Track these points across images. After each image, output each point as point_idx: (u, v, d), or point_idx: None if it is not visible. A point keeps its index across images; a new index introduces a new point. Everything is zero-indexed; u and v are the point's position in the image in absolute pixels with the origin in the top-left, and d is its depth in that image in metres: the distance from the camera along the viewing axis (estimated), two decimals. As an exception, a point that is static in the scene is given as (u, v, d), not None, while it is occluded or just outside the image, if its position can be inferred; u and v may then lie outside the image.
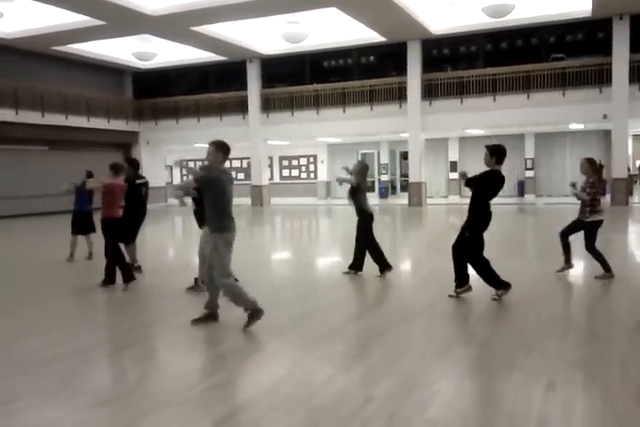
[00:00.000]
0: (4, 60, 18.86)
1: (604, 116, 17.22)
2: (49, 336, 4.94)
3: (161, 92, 23.85)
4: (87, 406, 3.40)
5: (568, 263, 6.87)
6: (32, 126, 18.84)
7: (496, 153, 5.71)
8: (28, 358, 4.28)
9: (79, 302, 6.24)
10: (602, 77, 17.13)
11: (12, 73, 18.96)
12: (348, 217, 17.72)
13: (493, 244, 10.59)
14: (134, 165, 7.99)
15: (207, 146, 4.85)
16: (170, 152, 26.65)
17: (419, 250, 10.37)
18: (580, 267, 7.13)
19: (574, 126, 20.37)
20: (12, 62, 19.14)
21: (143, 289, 6.75)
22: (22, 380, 3.84)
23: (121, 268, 6.61)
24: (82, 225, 9.00)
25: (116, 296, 6.42)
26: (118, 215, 6.85)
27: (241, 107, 22.19)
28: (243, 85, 21.98)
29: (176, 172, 29.84)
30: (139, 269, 7.63)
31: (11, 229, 15.64)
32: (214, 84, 23.35)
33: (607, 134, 19.86)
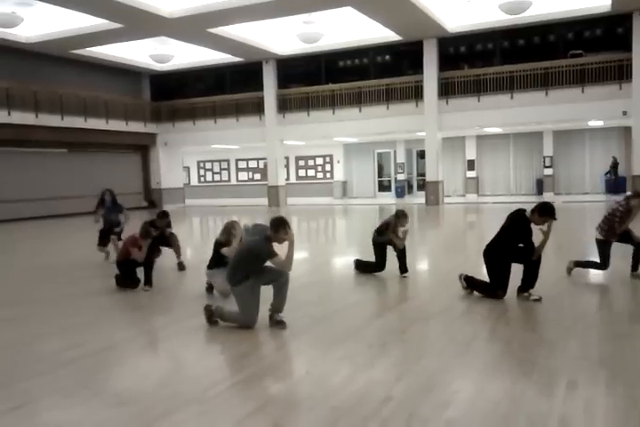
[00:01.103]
0: (24, 64, 19.15)
1: (624, 113, 16.99)
2: (70, 337, 5.00)
3: (178, 94, 24.04)
4: (108, 406, 3.43)
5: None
6: (51, 129, 19.11)
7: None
8: (50, 359, 4.33)
9: (101, 303, 6.30)
10: (621, 73, 16.92)
11: (31, 77, 19.25)
12: (365, 217, 17.73)
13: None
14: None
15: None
16: (187, 153, 26.85)
17: (437, 249, 10.31)
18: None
19: (593, 123, 20.14)
20: (32, 66, 19.43)
21: (164, 290, 6.80)
22: (44, 380, 3.89)
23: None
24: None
25: (136, 297, 6.47)
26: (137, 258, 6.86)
27: (257, 107, 22.28)
28: (259, 86, 22.06)
29: (193, 173, 30.03)
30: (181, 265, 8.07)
31: (32, 231, 15.85)
32: (231, 86, 23.47)
33: (627, 131, 19.62)
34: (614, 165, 21.44)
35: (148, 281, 6.69)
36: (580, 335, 4.53)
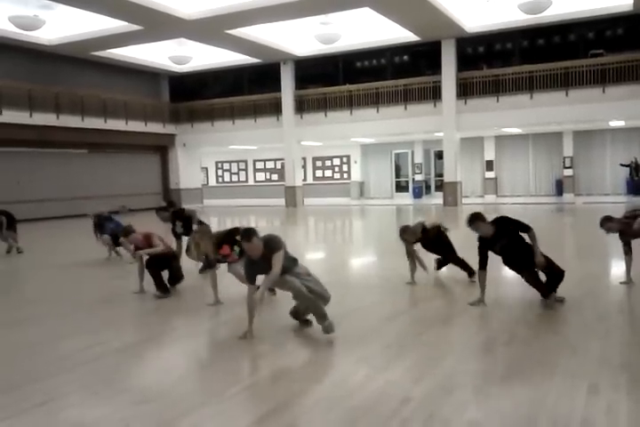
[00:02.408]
0: (45, 66, 19.43)
1: (646, 113, 16.76)
2: (93, 335, 5.07)
3: (197, 95, 24.21)
4: (131, 404, 3.48)
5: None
6: (72, 130, 19.36)
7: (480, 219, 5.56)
8: (74, 356, 4.40)
9: (122, 303, 6.37)
10: (643, 73, 16.68)
11: (53, 78, 19.52)
12: (382, 217, 17.68)
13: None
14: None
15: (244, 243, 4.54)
16: (205, 154, 27.01)
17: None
18: (623, 267, 6.93)
19: (615, 124, 19.87)
20: (54, 68, 19.71)
21: (185, 291, 6.84)
22: (69, 378, 3.95)
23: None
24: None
25: (159, 299, 6.53)
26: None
27: (275, 108, 22.35)
28: (276, 87, 22.12)
29: (211, 173, 30.18)
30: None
31: (54, 230, 16.07)
32: (248, 87, 23.59)
33: (649, 131, 19.35)
34: (636, 167, 21.16)
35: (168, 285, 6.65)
36: (602, 338, 4.48)
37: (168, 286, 6.58)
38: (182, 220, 8.38)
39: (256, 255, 4.53)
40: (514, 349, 4.29)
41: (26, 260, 10.34)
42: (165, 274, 6.64)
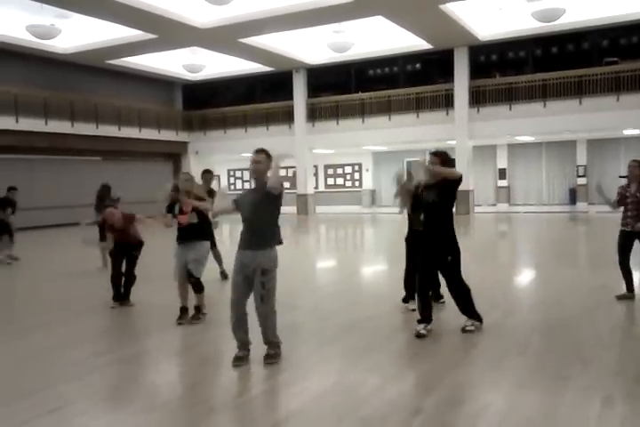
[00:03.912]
0: (61, 74, 19.66)
1: (661, 122, 16.60)
2: (101, 343, 5.08)
3: (209, 103, 24.36)
4: (141, 411, 3.48)
5: (631, 291, 6.14)
6: (86, 137, 19.53)
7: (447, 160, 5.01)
8: (83, 364, 4.41)
9: (132, 310, 6.38)
10: (658, 81, 16.55)
11: (68, 86, 19.74)
12: (393, 226, 17.63)
13: (546, 253, 10.35)
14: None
15: (254, 154, 4.35)
16: (218, 162, 27.12)
17: (466, 260, 10.17)
18: (637, 277, 6.85)
19: (629, 132, 19.71)
20: (69, 76, 19.93)
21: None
22: (79, 384, 3.96)
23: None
24: None
25: (167, 305, 6.53)
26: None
27: (287, 116, 22.42)
28: (289, 95, 22.20)
29: (224, 181, 30.29)
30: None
31: (67, 237, 16.17)
32: (261, 95, 23.69)
33: (664, 140, 19.16)
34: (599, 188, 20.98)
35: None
36: (615, 350, 4.42)
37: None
38: None
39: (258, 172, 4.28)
40: (526, 360, 4.24)
41: (32, 267, 10.41)
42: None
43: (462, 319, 5.15)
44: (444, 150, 5.11)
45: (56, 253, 12.41)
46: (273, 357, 4.28)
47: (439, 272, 5.17)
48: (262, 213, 4.27)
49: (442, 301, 6.02)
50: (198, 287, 5.69)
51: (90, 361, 4.44)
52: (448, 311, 5.99)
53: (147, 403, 3.61)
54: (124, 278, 6.53)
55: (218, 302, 6.45)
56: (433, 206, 4.94)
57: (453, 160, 5.03)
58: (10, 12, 15.06)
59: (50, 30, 15.26)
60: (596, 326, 5.10)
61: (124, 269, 6.55)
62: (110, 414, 3.50)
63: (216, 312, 5.90)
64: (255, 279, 4.21)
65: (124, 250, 6.56)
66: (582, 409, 3.31)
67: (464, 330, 4.92)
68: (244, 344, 4.34)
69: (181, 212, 5.62)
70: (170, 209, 5.75)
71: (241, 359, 4.27)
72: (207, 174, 8.11)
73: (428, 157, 5.09)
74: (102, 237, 8.85)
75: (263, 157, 4.30)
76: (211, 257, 6.72)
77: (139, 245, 6.63)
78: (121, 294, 6.50)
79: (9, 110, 17.37)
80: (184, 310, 5.68)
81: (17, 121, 17.53)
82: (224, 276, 7.92)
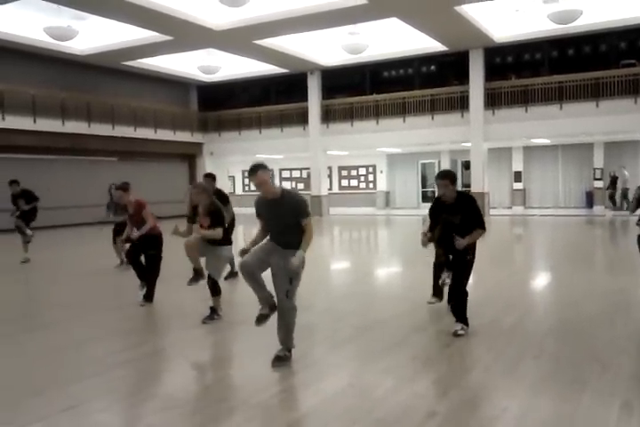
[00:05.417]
0: (78, 75, 19.86)
1: (680, 124, 16.40)
2: (118, 340, 5.12)
3: (224, 105, 24.47)
4: (159, 409, 3.49)
5: None
6: (103, 138, 19.72)
7: (456, 180, 5.15)
8: (101, 361, 4.44)
9: (148, 309, 6.42)
10: (677, 83, 16.35)
11: (85, 87, 19.94)
12: (407, 227, 17.57)
13: (561, 256, 10.26)
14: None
15: (251, 177, 4.21)
16: (232, 163, 27.23)
17: (481, 262, 10.11)
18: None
19: (647, 135, 19.49)
20: (86, 77, 20.12)
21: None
22: (96, 382, 3.99)
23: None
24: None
25: (182, 304, 6.56)
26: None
27: (302, 118, 22.45)
28: (303, 97, 22.24)
29: (238, 182, 30.40)
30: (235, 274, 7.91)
31: (83, 236, 16.33)
32: (276, 96, 23.77)
33: (683, 143, 18.92)
34: (613, 180, 20.86)
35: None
36: (633, 354, 4.37)
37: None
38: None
39: (269, 194, 4.22)
40: (542, 363, 4.20)
41: (50, 266, 10.52)
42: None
43: (475, 322, 5.13)
44: (447, 170, 5.35)
45: (74, 252, 12.52)
46: (283, 359, 4.26)
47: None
48: (289, 222, 4.25)
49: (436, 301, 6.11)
50: (215, 290, 5.71)
51: (107, 359, 4.47)
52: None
53: (164, 401, 3.63)
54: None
55: (233, 303, 6.48)
56: (453, 226, 5.07)
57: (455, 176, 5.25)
58: (28, 13, 15.24)
59: (67, 32, 15.41)
60: (613, 330, 5.04)
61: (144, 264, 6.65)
62: (128, 412, 3.52)
63: (233, 313, 5.93)
64: (281, 273, 4.18)
65: (139, 249, 6.60)
66: (599, 414, 3.28)
67: (455, 334, 4.92)
68: (266, 300, 4.30)
69: (201, 226, 5.68)
70: (192, 217, 5.83)
71: (265, 317, 4.29)
72: (207, 179, 8.12)
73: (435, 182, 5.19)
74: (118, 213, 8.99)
75: (262, 176, 4.17)
76: None
77: (154, 239, 6.56)
78: (145, 278, 6.59)
79: (27, 111, 17.59)
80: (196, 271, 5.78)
81: (35, 121, 17.74)
82: (234, 275, 7.94)
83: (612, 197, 20.83)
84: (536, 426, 3.17)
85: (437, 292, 6.13)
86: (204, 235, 5.59)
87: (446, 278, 5.86)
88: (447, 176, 5.05)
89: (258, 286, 4.25)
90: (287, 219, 4.23)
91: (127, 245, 7.36)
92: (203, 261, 5.75)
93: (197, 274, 5.77)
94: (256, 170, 4.17)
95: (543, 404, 3.46)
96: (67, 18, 15.18)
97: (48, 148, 18.31)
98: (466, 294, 5.09)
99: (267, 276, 4.24)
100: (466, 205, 5.08)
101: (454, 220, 5.04)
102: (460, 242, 4.93)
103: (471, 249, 5.06)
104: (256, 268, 4.19)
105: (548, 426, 3.15)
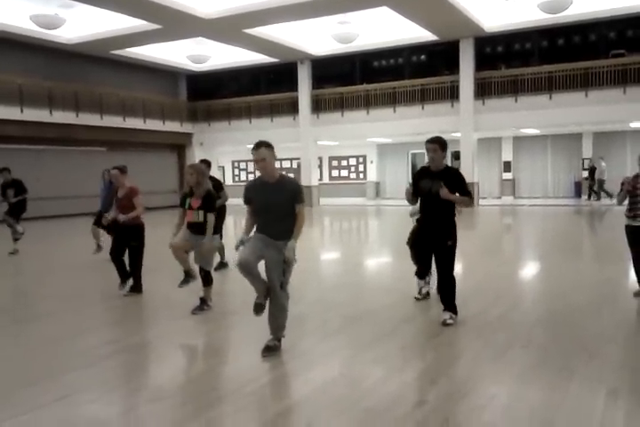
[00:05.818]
0: (65, 64, 19.64)
1: (668, 114, 16.51)
2: (108, 332, 5.11)
3: (214, 94, 24.32)
4: (147, 400, 3.50)
5: None
6: (91, 128, 19.56)
7: (446, 146, 5.01)
8: (93, 352, 4.44)
9: (137, 300, 6.41)
10: (665, 74, 16.43)
11: (72, 77, 19.73)
12: (397, 218, 17.63)
13: (550, 246, 10.33)
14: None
15: (254, 151, 4.17)
16: (222, 153, 27.10)
17: (471, 253, 10.18)
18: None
19: (635, 125, 19.60)
20: (73, 67, 19.91)
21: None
22: (87, 373, 3.99)
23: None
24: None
25: (173, 295, 6.56)
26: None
27: (292, 108, 22.37)
28: (293, 87, 22.15)
29: (228, 172, 30.29)
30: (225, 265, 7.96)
31: (72, 228, 16.23)
32: (265, 86, 23.65)
33: (671, 133, 19.05)
34: (591, 171, 21.00)
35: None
36: (620, 343, 4.42)
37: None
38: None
39: (267, 175, 4.20)
40: (531, 352, 4.25)
41: (39, 257, 10.46)
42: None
43: (464, 312, 5.17)
44: (437, 136, 5.15)
45: (63, 244, 12.46)
46: (273, 349, 4.26)
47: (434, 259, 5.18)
48: (285, 209, 4.22)
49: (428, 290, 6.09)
50: (207, 280, 5.71)
51: (98, 350, 4.47)
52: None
53: (154, 391, 3.64)
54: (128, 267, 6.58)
55: (223, 293, 6.48)
56: (433, 196, 4.92)
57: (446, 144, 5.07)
58: (14, 1, 15.03)
59: (54, 20, 15.24)
60: (600, 319, 5.10)
61: (126, 256, 6.60)
62: (119, 403, 3.53)
63: (222, 304, 5.93)
64: (275, 266, 4.16)
65: (122, 238, 6.55)
66: (587, 401, 3.32)
67: (444, 323, 4.90)
68: (262, 289, 4.27)
69: (191, 207, 5.62)
70: (183, 202, 5.75)
71: (262, 306, 4.27)
72: (202, 164, 8.06)
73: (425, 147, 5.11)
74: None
75: (265, 152, 4.15)
76: None
77: (136, 230, 6.52)
78: (126, 275, 6.53)
79: (14, 101, 17.40)
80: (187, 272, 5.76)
81: (22, 111, 17.55)
82: (224, 265, 7.96)
83: (591, 188, 20.96)
84: (524, 413, 3.21)
85: (422, 274, 5.98)
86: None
87: (425, 285, 5.91)
88: (437, 141, 4.94)
89: (255, 278, 4.23)
90: (283, 205, 4.20)
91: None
92: (191, 257, 5.71)
93: (188, 275, 5.74)
94: (261, 145, 4.17)
95: (531, 392, 3.51)
96: (54, 6, 15.00)
97: (36, 138, 18.14)
98: (454, 281, 5.07)
99: (260, 266, 4.25)
100: (452, 175, 4.94)
101: (435, 186, 4.84)
102: (444, 191, 4.74)
103: (452, 235, 4.98)
104: (255, 265, 4.19)
105: (536, 413, 3.19)
